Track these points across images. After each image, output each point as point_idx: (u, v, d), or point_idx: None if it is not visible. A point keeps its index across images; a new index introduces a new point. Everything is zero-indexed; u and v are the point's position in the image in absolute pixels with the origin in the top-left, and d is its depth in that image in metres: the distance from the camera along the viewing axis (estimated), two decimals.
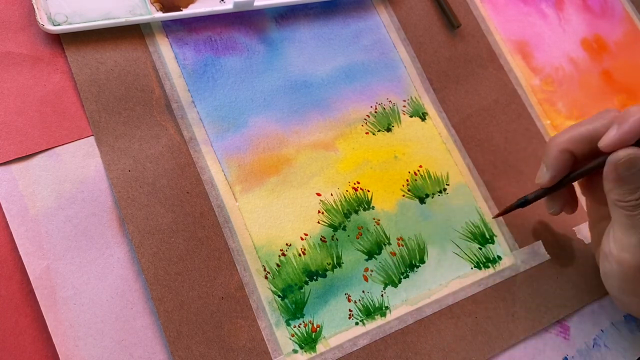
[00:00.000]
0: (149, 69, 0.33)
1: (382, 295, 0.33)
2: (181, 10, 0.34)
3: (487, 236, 0.36)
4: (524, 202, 0.34)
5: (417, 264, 0.34)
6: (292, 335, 0.30)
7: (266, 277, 0.31)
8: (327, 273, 0.32)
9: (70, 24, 0.32)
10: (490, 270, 0.35)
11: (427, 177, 0.37)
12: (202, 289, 0.30)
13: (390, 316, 0.32)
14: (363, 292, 0.32)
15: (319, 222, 0.33)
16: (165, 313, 0.29)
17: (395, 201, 0.35)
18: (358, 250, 0.33)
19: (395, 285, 0.33)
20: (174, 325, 0.28)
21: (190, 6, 0.35)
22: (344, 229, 0.34)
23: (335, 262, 0.33)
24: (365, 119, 0.37)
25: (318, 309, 0.31)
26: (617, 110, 0.30)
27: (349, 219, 0.34)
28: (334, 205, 0.34)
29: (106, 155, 0.31)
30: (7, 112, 0.30)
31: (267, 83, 0.36)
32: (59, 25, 0.31)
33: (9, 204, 0.28)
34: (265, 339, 0.30)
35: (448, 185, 0.37)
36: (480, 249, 0.36)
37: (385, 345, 0.31)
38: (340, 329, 0.31)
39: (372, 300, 0.32)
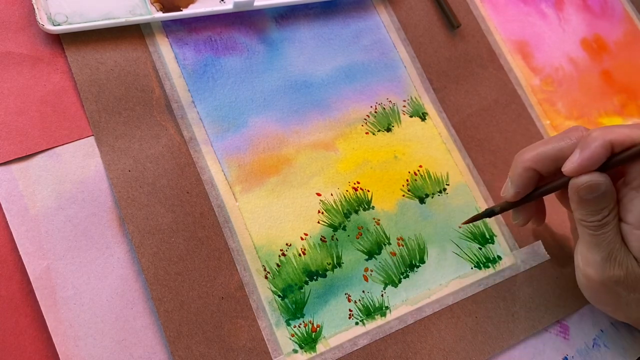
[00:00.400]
0: (149, 69, 0.33)
1: (382, 295, 0.33)
2: (181, 10, 0.34)
3: (487, 236, 0.36)
4: (490, 213, 0.34)
5: (417, 264, 0.34)
6: (292, 335, 0.30)
7: (266, 277, 0.31)
8: (327, 273, 0.32)
9: (70, 24, 0.32)
10: (490, 270, 0.35)
11: (427, 177, 0.37)
12: (202, 289, 0.30)
13: (390, 316, 0.32)
14: (363, 292, 0.32)
15: (319, 222, 0.33)
16: (165, 313, 0.29)
17: (395, 201, 0.35)
18: (358, 250, 0.33)
19: (395, 285, 0.33)
20: (174, 325, 0.28)
21: (190, 6, 0.35)
22: (344, 229, 0.34)
23: (335, 262, 0.33)
24: (365, 119, 0.37)
25: (318, 309, 0.31)
26: (584, 129, 0.30)
27: (349, 219, 0.34)
28: (334, 205, 0.34)
29: (106, 155, 0.31)
30: (7, 112, 0.30)
31: (267, 83, 0.36)
32: (59, 25, 0.31)
33: (9, 204, 0.28)
34: (265, 339, 0.30)
35: (448, 185, 0.37)
36: (480, 249, 0.36)
37: (385, 345, 0.31)
38: (340, 328, 0.31)
39: (372, 300, 0.32)
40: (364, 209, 0.35)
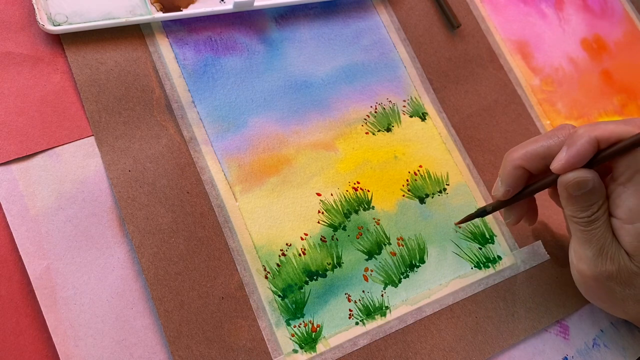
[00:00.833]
0: (149, 69, 0.33)
1: (382, 295, 0.33)
2: (181, 11, 0.34)
3: (487, 236, 0.36)
4: (482, 212, 0.34)
5: (417, 264, 0.34)
6: (292, 335, 0.30)
7: (266, 277, 0.31)
8: (327, 273, 0.32)
9: (71, 24, 0.32)
10: (490, 270, 0.35)
11: (427, 177, 0.37)
12: (202, 289, 0.30)
13: (390, 316, 0.32)
14: (363, 292, 0.32)
15: (319, 222, 0.33)
16: (165, 313, 0.29)
17: (395, 201, 0.35)
18: (358, 250, 0.33)
19: (395, 285, 0.33)
20: (174, 325, 0.28)
21: (190, 6, 0.35)
22: (344, 229, 0.34)
23: (335, 262, 0.33)
24: (365, 119, 0.37)
25: (318, 309, 0.31)
26: (572, 126, 0.31)
27: (349, 219, 0.34)
28: (334, 205, 0.34)
29: (106, 155, 0.31)
30: (7, 112, 0.30)
31: (267, 83, 0.36)
32: (59, 25, 0.31)
33: (9, 204, 0.28)
34: (265, 339, 0.30)
35: (448, 185, 0.37)
36: (480, 248, 0.36)
37: (386, 345, 0.31)
38: (340, 328, 0.31)
39: (372, 300, 0.32)
40: (364, 209, 0.35)
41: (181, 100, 0.33)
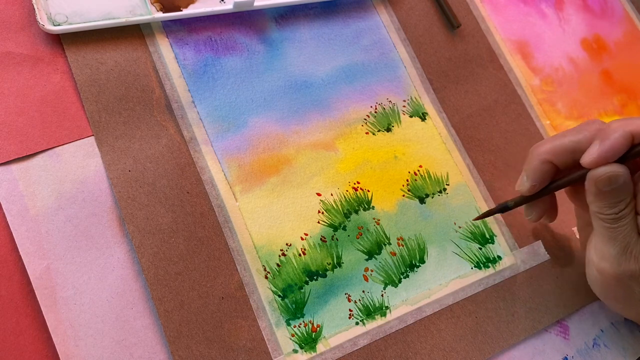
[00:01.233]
0: (149, 69, 0.33)
1: (382, 295, 0.33)
2: (181, 11, 0.34)
3: (487, 236, 0.36)
4: (504, 208, 0.34)
5: (417, 264, 0.34)
6: (292, 335, 0.30)
7: (266, 277, 0.31)
8: (327, 273, 0.32)
9: (71, 24, 0.32)
10: (490, 270, 0.35)
11: (427, 177, 0.37)
12: (202, 289, 0.30)
13: (390, 316, 0.32)
14: (363, 292, 0.32)
15: (319, 222, 0.33)
16: (165, 313, 0.29)
17: (395, 201, 0.35)
18: (358, 250, 0.33)
19: (395, 285, 0.33)
20: (174, 325, 0.28)
21: (190, 6, 0.35)
22: (344, 229, 0.34)
23: (335, 262, 0.33)
24: (365, 119, 0.37)
25: (318, 309, 0.31)
26: (601, 122, 0.30)
27: (349, 219, 0.34)
28: (334, 205, 0.34)
29: (106, 155, 0.31)
30: (7, 112, 0.30)
31: (267, 83, 0.36)
32: (59, 25, 0.31)
33: (9, 204, 0.28)
34: (265, 339, 0.30)
35: (448, 185, 0.37)
36: (480, 248, 0.36)
37: (386, 345, 0.31)
38: (340, 328, 0.31)
39: (372, 300, 0.32)
40: (364, 209, 0.35)
41: (181, 100, 0.33)
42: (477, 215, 0.36)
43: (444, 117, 0.39)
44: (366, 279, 0.33)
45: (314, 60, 0.38)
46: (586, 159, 0.29)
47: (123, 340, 0.28)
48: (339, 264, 0.33)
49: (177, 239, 0.30)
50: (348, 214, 0.34)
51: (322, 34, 0.38)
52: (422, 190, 0.36)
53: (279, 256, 0.32)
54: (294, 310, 0.31)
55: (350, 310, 0.32)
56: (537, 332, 0.35)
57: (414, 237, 0.35)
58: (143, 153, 0.31)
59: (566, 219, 0.39)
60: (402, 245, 0.34)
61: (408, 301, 0.33)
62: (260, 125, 0.35)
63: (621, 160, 0.29)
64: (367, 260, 0.33)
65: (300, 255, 0.32)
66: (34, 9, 0.31)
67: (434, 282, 0.34)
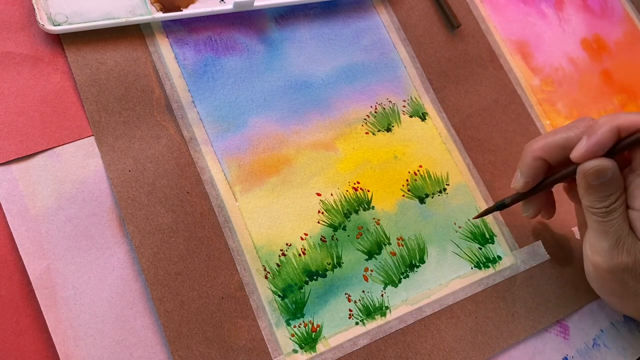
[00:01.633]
0: (149, 69, 0.33)
1: (382, 295, 0.33)
2: (181, 10, 0.34)
3: (487, 236, 0.36)
4: (501, 205, 0.34)
5: (417, 264, 0.34)
6: (292, 335, 0.30)
7: (266, 277, 0.31)
8: (327, 273, 0.32)
9: (71, 24, 0.32)
10: (490, 270, 0.35)
11: (427, 177, 0.37)
12: (202, 289, 0.30)
13: (390, 316, 0.32)
14: (363, 292, 0.32)
15: (319, 222, 0.33)
16: (165, 313, 0.29)
17: (395, 201, 0.35)
18: (358, 250, 0.33)
19: (395, 285, 0.33)
20: (174, 325, 0.28)
21: (190, 6, 0.35)
22: (344, 229, 0.34)
23: (335, 262, 0.33)
24: (365, 119, 0.37)
25: (318, 309, 0.31)
26: (591, 119, 0.31)
27: (349, 219, 0.34)
28: (334, 205, 0.34)
29: (106, 155, 0.31)
30: (7, 112, 0.30)
31: (267, 83, 0.36)
32: (59, 25, 0.31)
33: (9, 204, 0.28)
34: (265, 339, 0.30)
35: (448, 185, 0.37)
36: (480, 248, 0.36)
37: (386, 345, 0.31)
38: (340, 328, 0.31)
39: (372, 300, 0.32)
40: (364, 209, 0.35)
41: (181, 100, 0.33)
42: (478, 212, 0.37)
43: (444, 117, 0.39)
44: (366, 279, 0.33)
45: (314, 60, 0.38)
46: (575, 154, 0.29)
47: (123, 340, 0.28)
48: (339, 264, 0.33)
49: (177, 239, 0.30)
50: (348, 214, 0.34)
51: (322, 34, 0.38)
52: (422, 190, 0.36)
53: (279, 256, 0.32)
54: (294, 310, 0.31)
55: (350, 310, 0.32)
56: (537, 332, 0.35)
57: (414, 237, 0.35)
58: (143, 153, 0.31)
59: (566, 219, 0.39)
60: (402, 245, 0.34)
61: (408, 301, 0.33)
62: (260, 125, 0.35)
63: (610, 154, 0.29)
64: (367, 260, 0.33)
65: (300, 255, 0.32)
66: (34, 9, 0.31)
67: (434, 282, 0.34)
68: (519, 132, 0.41)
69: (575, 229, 0.39)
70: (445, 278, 0.34)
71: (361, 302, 0.32)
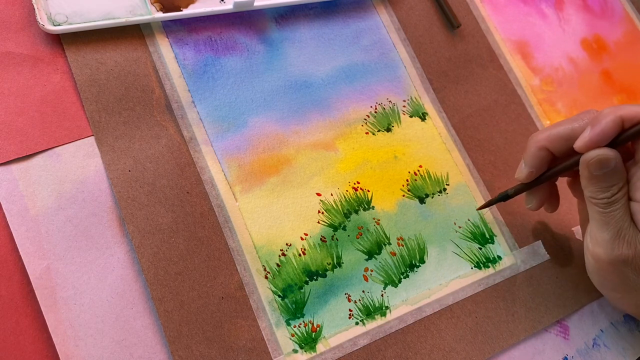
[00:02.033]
0: (149, 69, 0.33)
1: (382, 295, 0.33)
2: (181, 11, 0.34)
3: (487, 236, 0.36)
4: (505, 197, 0.35)
5: (417, 264, 0.34)
6: (292, 335, 0.30)
7: (266, 277, 0.31)
8: (327, 273, 0.32)
9: (71, 24, 0.32)
10: (490, 270, 0.35)
11: (427, 177, 0.37)
12: (202, 289, 0.30)
13: (390, 316, 0.32)
14: (363, 292, 0.32)
15: (319, 222, 0.33)
16: (165, 313, 0.29)
17: (395, 201, 0.35)
18: (358, 250, 0.33)
19: (395, 285, 0.33)
20: (174, 325, 0.28)
21: (190, 6, 0.35)
22: (344, 229, 0.34)
23: (335, 262, 0.33)
24: (365, 119, 0.37)
25: (318, 309, 0.31)
26: (597, 111, 0.31)
27: (349, 219, 0.34)
28: (334, 205, 0.34)
29: (106, 155, 0.31)
30: (7, 112, 0.30)
31: (267, 83, 0.36)
32: (59, 25, 0.31)
33: (9, 204, 0.28)
34: (265, 339, 0.30)
35: (448, 185, 0.37)
36: (480, 248, 0.36)
37: (386, 345, 0.31)
38: (340, 328, 0.31)
39: (372, 300, 0.32)
40: (364, 209, 0.35)
41: (181, 100, 0.33)
42: (477, 213, 0.37)
43: (444, 117, 0.39)
44: (366, 279, 0.33)
45: (314, 60, 0.38)
46: (578, 143, 0.30)
47: (123, 340, 0.28)
48: (339, 264, 0.33)
49: (177, 239, 0.30)
50: (348, 214, 0.34)
51: (322, 34, 0.38)
52: (422, 190, 0.36)
53: (279, 256, 0.32)
54: (294, 310, 0.31)
55: (350, 310, 0.32)
56: (537, 332, 0.35)
57: (414, 237, 0.35)
58: (143, 153, 0.31)
59: (566, 219, 0.39)
60: (402, 245, 0.34)
61: (408, 301, 0.33)
62: (260, 125, 0.35)
63: (613, 145, 0.29)
64: (367, 260, 0.33)
65: (300, 255, 0.32)
66: (34, 9, 0.31)
67: (434, 282, 0.34)
68: (519, 132, 0.41)
69: (575, 229, 0.39)
70: (445, 278, 0.34)
71: (361, 302, 0.32)
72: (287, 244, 0.32)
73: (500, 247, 0.36)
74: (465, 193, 0.37)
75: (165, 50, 0.34)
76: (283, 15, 0.38)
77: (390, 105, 0.38)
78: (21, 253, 0.28)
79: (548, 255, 0.37)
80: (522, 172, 0.33)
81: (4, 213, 0.28)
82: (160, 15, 0.34)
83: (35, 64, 0.31)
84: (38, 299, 0.27)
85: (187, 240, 0.30)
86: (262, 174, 0.33)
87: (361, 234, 0.34)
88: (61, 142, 0.30)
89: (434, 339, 0.32)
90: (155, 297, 0.29)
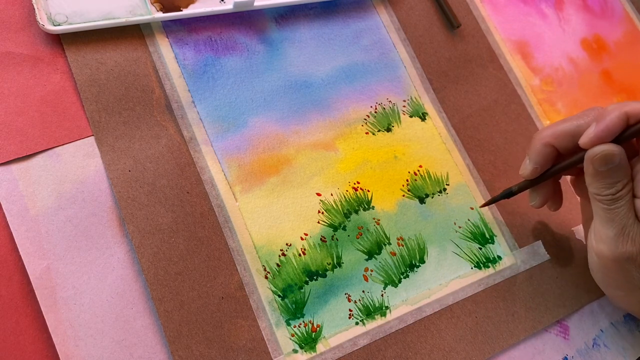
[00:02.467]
0: (149, 69, 0.33)
1: (382, 295, 0.33)
2: (181, 11, 0.34)
3: (487, 236, 0.36)
4: (509, 194, 0.35)
5: (417, 264, 0.34)
6: (292, 335, 0.30)
7: (266, 277, 0.31)
8: (327, 273, 0.32)
9: (71, 24, 0.32)
10: (490, 270, 0.35)
11: (427, 177, 0.37)
12: (202, 289, 0.30)
13: (390, 316, 0.32)
14: (363, 292, 0.32)
15: (319, 222, 0.33)
16: (165, 313, 0.29)
17: (395, 201, 0.35)
18: (358, 250, 0.33)
19: (395, 285, 0.33)
20: (174, 325, 0.28)
21: (190, 6, 0.35)
22: (344, 228, 0.34)
23: (335, 262, 0.33)
24: (365, 119, 0.37)
25: (318, 309, 0.31)
26: (602, 108, 0.31)
27: (349, 219, 0.34)
28: (334, 205, 0.34)
29: (106, 155, 0.31)
30: (7, 112, 0.30)
31: (267, 83, 0.36)
32: (59, 25, 0.31)
33: (9, 204, 0.28)
34: (265, 339, 0.30)
35: (448, 185, 0.37)
36: (480, 248, 0.36)
37: (386, 345, 0.31)
38: (340, 328, 0.31)
39: (372, 300, 0.32)
40: (364, 209, 0.35)
41: (181, 100, 0.33)
42: (477, 214, 0.37)
43: (444, 117, 0.39)
44: (366, 279, 0.33)
45: (314, 60, 0.38)
46: (583, 139, 0.30)
47: (123, 340, 0.28)
48: (339, 264, 0.33)
49: (177, 239, 0.30)
50: (348, 214, 0.34)
51: (322, 34, 0.38)
52: (422, 190, 0.36)
53: (279, 256, 0.32)
54: (294, 310, 0.31)
55: (350, 310, 0.32)
56: (537, 332, 0.35)
57: (414, 237, 0.35)
58: (143, 153, 0.31)
59: (566, 218, 0.39)
60: (402, 245, 0.34)
61: (408, 301, 0.33)
62: (260, 125, 0.35)
63: (618, 141, 0.29)
64: (367, 260, 0.33)
65: (300, 255, 0.32)
66: (34, 9, 0.31)
67: (434, 282, 0.34)
68: (519, 132, 0.41)
69: (575, 229, 0.39)
70: (445, 278, 0.34)
71: (361, 302, 0.32)
72: (287, 244, 0.32)
73: (500, 247, 0.36)
74: (465, 193, 0.37)
75: (165, 50, 0.34)
76: (283, 15, 0.38)
77: (390, 105, 0.38)
78: (21, 253, 0.28)
79: (548, 255, 0.37)
80: (526, 168, 0.33)
81: (4, 213, 0.28)
82: (160, 15, 0.34)
83: (35, 64, 0.31)
84: (38, 299, 0.27)
85: (187, 240, 0.30)
86: (262, 174, 0.33)
87: (361, 234, 0.34)
88: (61, 142, 0.30)
89: (434, 339, 0.32)
90: (155, 297, 0.29)
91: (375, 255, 0.34)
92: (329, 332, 0.31)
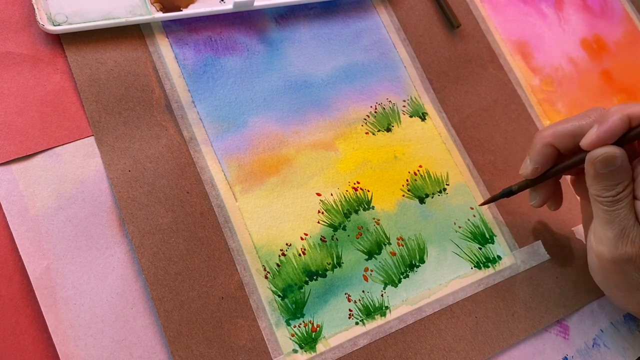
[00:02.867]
0: (149, 69, 0.33)
1: (382, 295, 0.33)
2: (181, 11, 0.34)
3: (487, 236, 0.36)
4: (508, 193, 0.35)
5: (417, 264, 0.34)
6: (292, 335, 0.30)
7: (266, 277, 0.31)
8: (327, 273, 0.32)
9: (71, 24, 0.32)
10: (490, 270, 0.35)
11: (427, 177, 0.37)
12: (202, 289, 0.30)
13: (390, 316, 0.32)
14: (363, 292, 0.32)
15: (319, 222, 0.33)
16: (165, 313, 0.29)
17: (395, 201, 0.35)
18: (358, 250, 0.33)
19: (395, 285, 0.33)
20: (174, 325, 0.28)
21: (190, 6, 0.35)
22: (344, 228, 0.34)
23: (335, 262, 0.33)
24: (365, 119, 0.37)
25: (318, 309, 0.31)
26: (604, 108, 0.31)
27: (349, 219, 0.34)
28: (334, 205, 0.34)
29: (106, 155, 0.31)
30: (7, 112, 0.30)
31: (267, 83, 0.36)
32: (59, 25, 0.31)
33: (9, 204, 0.28)
34: (265, 339, 0.30)
35: (448, 185, 0.37)
36: (480, 248, 0.36)
37: (385, 345, 0.31)
38: (340, 328, 0.31)
39: (372, 300, 0.32)
40: (364, 209, 0.35)
41: (181, 100, 0.33)
42: (477, 214, 0.37)
43: (444, 117, 0.39)
44: (366, 279, 0.33)
45: (314, 60, 0.38)
46: (585, 141, 0.30)
47: (123, 340, 0.28)
48: (339, 264, 0.33)
49: (177, 239, 0.30)
50: (348, 214, 0.34)
51: (322, 34, 0.38)
52: (422, 190, 0.36)
53: (279, 256, 0.32)
54: (294, 310, 0.31)
55: (350, 310, 0.32)
56: (537, 332, 0.35)
57: (414, 237, 0.35)
58: (143, 153, 0.31)
59: (566, 219, 0.39)
60: (402, 245, 0.34)
61: (408, 301, 0.33)
62: (260, 125, 0.35)
63: (619, 143, 0.29)
64: (367, 260, 0.33)
65: (300, 255, 0.32)
66: (34, 9, 0.31)
67: (434, 282, 0.34)
68: (519, 132, 0.41)
69: (575, 229, 0.39)
70: (445, 278, 0.34)
71: (361, 302, 0.32)
72: (287, 244, 0.32)
73: (500, 247, 0.36)
74: (465, 193, 0.37)
75: (165, 50, 0.34)
76: (283, 15, 0.38)
77: (390, 105, 0.38)
78: (21, 253, 0.28)
79: (548, 255, 0.37)
80: (527, 168, 0.33)
81: (4, 213, 0.28)
82: (160, 15, 0.34)
83: (35, 64, 0.31)
84: (38, 299, 0.27)
85: (187, 240, 0.30)
86: (262, 174, 0.33)
87: (361, 234, 0.34)
88: (61, 142, 0.30)
89: (434, 339, 0.32)
90: (155, 297, 0.29)
91: (375, 255, 0.34)
92: (329, 332, 0.31)
